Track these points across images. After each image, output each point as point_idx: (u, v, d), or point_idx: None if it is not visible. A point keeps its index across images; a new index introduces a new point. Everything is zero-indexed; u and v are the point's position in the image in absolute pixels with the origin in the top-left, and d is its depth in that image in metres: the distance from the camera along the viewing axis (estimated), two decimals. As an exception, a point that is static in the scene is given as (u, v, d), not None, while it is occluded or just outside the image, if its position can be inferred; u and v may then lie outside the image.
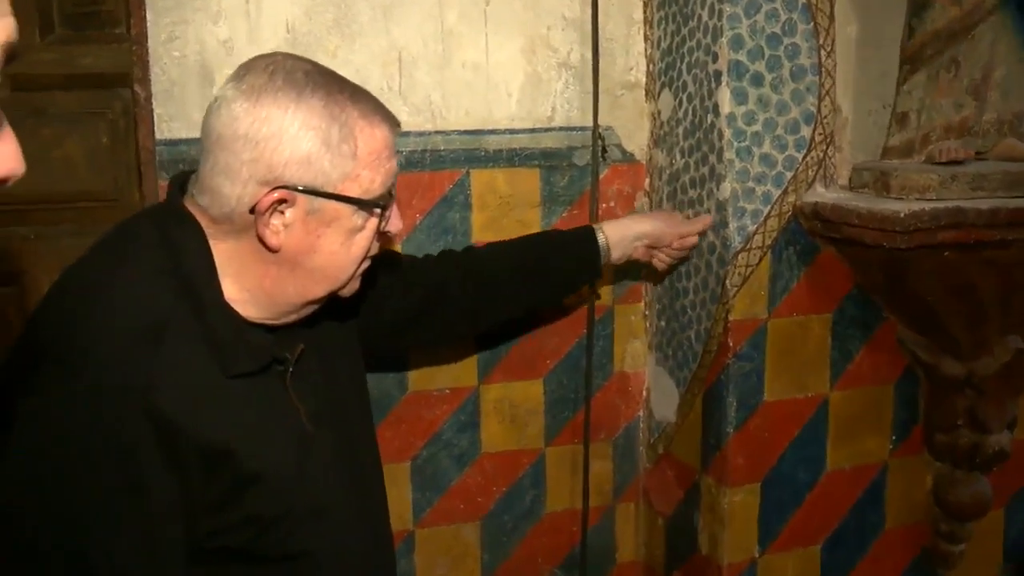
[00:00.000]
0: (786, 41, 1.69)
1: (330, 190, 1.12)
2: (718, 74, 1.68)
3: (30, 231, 1.96)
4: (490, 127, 1.88)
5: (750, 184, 1.70)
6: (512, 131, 1.89)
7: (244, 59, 1.65)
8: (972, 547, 1.94)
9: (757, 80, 1.68)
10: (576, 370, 2.00)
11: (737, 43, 1.66)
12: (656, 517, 2.04)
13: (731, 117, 1.68)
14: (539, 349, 1.98)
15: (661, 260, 1.80)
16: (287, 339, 1.24)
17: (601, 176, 1.94)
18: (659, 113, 1.91)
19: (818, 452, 1.83)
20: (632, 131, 1.96)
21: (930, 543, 1.94)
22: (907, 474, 1.91)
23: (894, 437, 1.89)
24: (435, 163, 1.86)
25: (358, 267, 1.22)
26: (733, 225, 1.70)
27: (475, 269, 1.64)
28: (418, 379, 1.92)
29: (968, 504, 1.88)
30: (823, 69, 1.72)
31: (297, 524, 1.20)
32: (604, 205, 1.95)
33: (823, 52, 1.72)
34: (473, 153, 1.88)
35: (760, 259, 1.72)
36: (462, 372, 1.95)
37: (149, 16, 1.67)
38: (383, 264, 1.53)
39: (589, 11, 1.86)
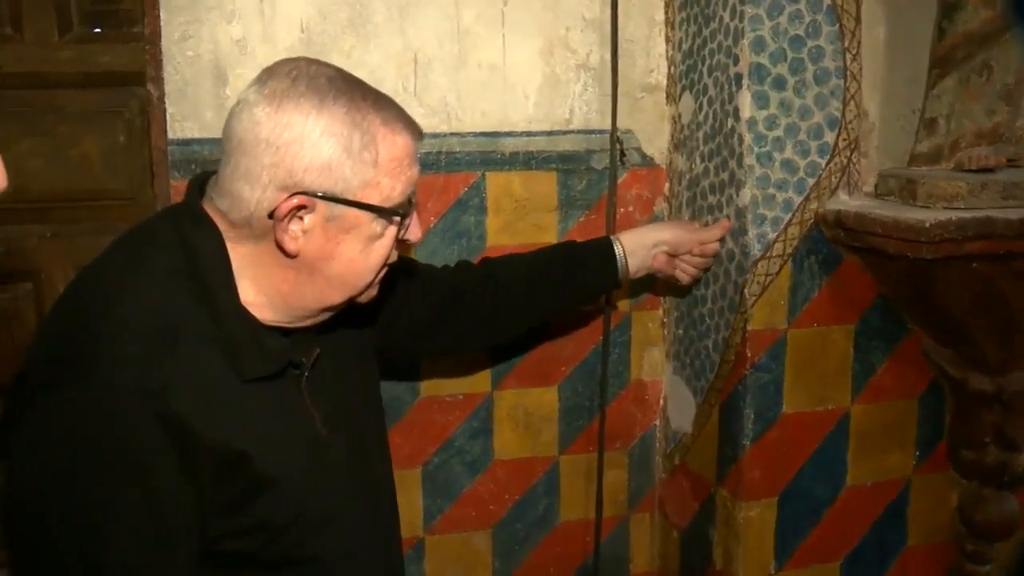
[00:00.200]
0: (810, 43, 1.64)
1: (350, 197, 1.11)
2: (739, 77, 1.64)
3: (47, 229, 1.96)
4: (506, 129, 1.85)
5: (771, 190, 1.65)
6: (529, 133, 1.86)
7: (258, 59, 1.68)
8: (998, 568, 1.87)
9: (779, 83, 1.63)
10: (592, 377, 1.96)
11: (759, 45, 1.61)
12: (671, 529, 2.00)
13: (751, 121, 1.63)
14: (554, 356, 1.95)
15: (684, 271, 1.75)
16: (303, 343, 1.23)
17: (620, 180, 1.90)
18: (679, 116, 1.86)
19: (838, 467, 1.78)
20: (652, 135, 1.92)
21: (955, 563, 1.88)
22: (931, 491, 1.85)
23: (918, 453, 1.83)
24: (450, 165, 1.83)
25: (377, 274, 1.20)
26: (752, 232, 1.65)
27: (492, 280, 1.62)
28: (430, 384, 1.90)
29: (995, 524, 1.82)
30: (848, 72, 1.67)
31: (309, 530, 1.20)
32: (622, 210, 1.91)
33: (848, 55, 1.66)
34: (489, 155, 1.85)
35: (780, 268, 1.67)
36: (475, 378, 1.92)
37: (163, 15, 1.66)
38: (400, 271, 1.51)
39: (609, 12, 1.82)
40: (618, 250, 1.67)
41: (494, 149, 1.85)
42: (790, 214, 1.66)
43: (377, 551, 1.33)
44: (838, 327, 1.72)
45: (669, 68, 1.90)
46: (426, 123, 1.78)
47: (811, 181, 1.67)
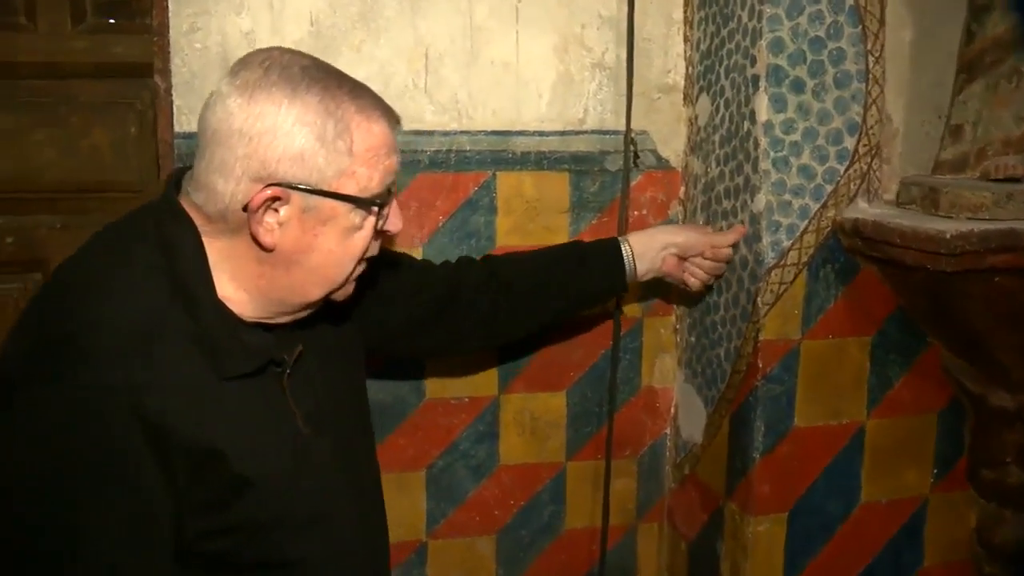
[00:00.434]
0: (831, 45, 1.58)
1: (325, 187, 1.08)
2: (756, 79, 1.59)
3: (56, 220, 1.96)
4: (518, 128, 1.81)
5: (786, 197, 1.60)
6: (541, 133, 1.82)
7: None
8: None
9: (798, 86, 1.58)
10: (601, 383, 1.92)
11: (777, 46, 1.56)
12: (680, 540, 1.95)
13: (768, 125, 1.58)
14: (563, 360, 1.91)
15: (694, 275, 1.70)
16: (286, 340, 1.21)
17: (634, 183, 1.86)
18: (696, 118, 1.82)
19: (852, 483, 1.72)
20: (668, 136, 1.88)
21: (972, 586, 1.82)
22: (949, 511, 1.78)
23: (935, 471, 1.76)
24: (460, 164, 1.80)
25: (355, 267, 1.17)
26: (767, 240, 1.60)
27: (494, 279, 1.59)
28: (436, 386, 1.86)
29: (1015, 546, 1.75)
30: (871, 76, 1.61)
31: (291, 531, 1.18)
32: (636, 213, 1.87)
33: (871, 58, 1.61)
34: (500, 155, 1.81)
35: (795, 277, 1.62)
36: (482, 381, 1.88)
37: (171, 6, 1.64)
38: (394, 266, 1.49)
39: (626, 9, 1.77)
40: (626, 251, 1.62)
41: (505, 148, 1.81)
42: (806, 221, 1.61)
43: (363, 553, 1.30)
44: (854, 339, 1.67)
45: (687, 68, 1.85)
46: (436, 120, 1.78)
47: (829, 188, 1.61)
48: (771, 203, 1.59)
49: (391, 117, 1.14)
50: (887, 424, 1.72)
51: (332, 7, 1.70)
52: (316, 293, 1.17)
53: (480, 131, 1.80)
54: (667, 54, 1.85)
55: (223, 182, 1.07)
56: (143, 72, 1.81)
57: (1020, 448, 1.69)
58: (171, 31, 1.65)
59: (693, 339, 1.87)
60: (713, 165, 1.75)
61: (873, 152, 1.64)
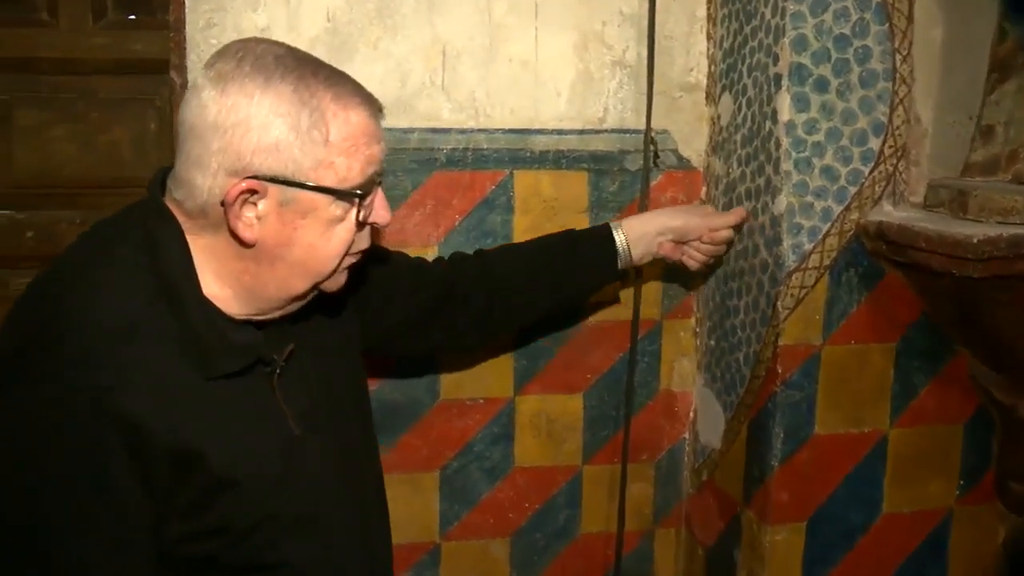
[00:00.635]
0: (856, 43, 1.54)
1: (301, 179, 1.06)
2: (778, 78, 1.55)
3: (76, 215, 1.98)
4: (537, 126, 1.79)
5: (808, 198, 1.56)
6: (560, 132, 1.79)
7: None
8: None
9: (821, 85, 1.54)
10: (619, 386, 1.89)
11: (800, 44, 1.52)
12: (697, 547, 1.92)
13: (790, 125, 1.54)
14: (580, 362, 1.88)
15: (692, 257, 1.67)
16: (277, 338, 1.19)
17: (655, 183, 1.83)
18: (718, 118, 1.78)
19: (874, 493, 1.68)
20: (690, 136, 1.84)
21: (1000, 601, 1.77)
22: (975, 524, 1.73)
23: (961, 482, 1.71)
24: (477, 162, 1.77)
25: (341, 260, 1.15)
26: (787, 242, 1.56)
27: (486, 273, 1.57)
28: (450, 387, 1.84)
29: (1044, 562, 1.70)
30: (897, 75, 1.56)
31: (277, 533, 1.16)
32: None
33: (898, 56, 1.56)
34: (518, 153, 1.78)
35: (816, 281, 1.58)
36: (497, 382, 1.86)
37: (188, 3, 1.63)
38: (390, 265, 1.48)
39: (647, 6, 1.74)
40: (619, 239, 1.60)
41: (523, 147, 1.79)
42: (829, 224, 1.57)
43: (357, 556, 1.28)
44: (877, 345, 1.62)
45: (709, 67, 1.81)
46: (453, 118, 1.76)
47: (853, 190, 1.57)
48: (792, 205, 1.55)
49: (371, 105, 1.11)
50: (911, 433, 1.67)
51: (349, 3, 1.68)
52: (300, 287, 1.14)
53: (498, 129, 1.77)
54: (689, 52, 1.82)
55: (200, 177, 1.05)
56: (162, 68, 1.82)
57: (1050, 461, 1.64)
58: (187, 27, 1.64)
59: (712, 343, 1.83)
60: (735, 165, 1.71)
61: (899, 153, 1.59)
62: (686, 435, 1.95)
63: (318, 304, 1.23)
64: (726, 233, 1.65)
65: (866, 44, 1.54)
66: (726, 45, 1.74)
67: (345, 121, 1.07)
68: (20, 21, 1.90)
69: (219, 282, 1.12)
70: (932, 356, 1.65)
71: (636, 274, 1.81)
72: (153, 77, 1.91)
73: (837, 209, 1.57)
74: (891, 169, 1.58)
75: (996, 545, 1.75)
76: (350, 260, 1.18)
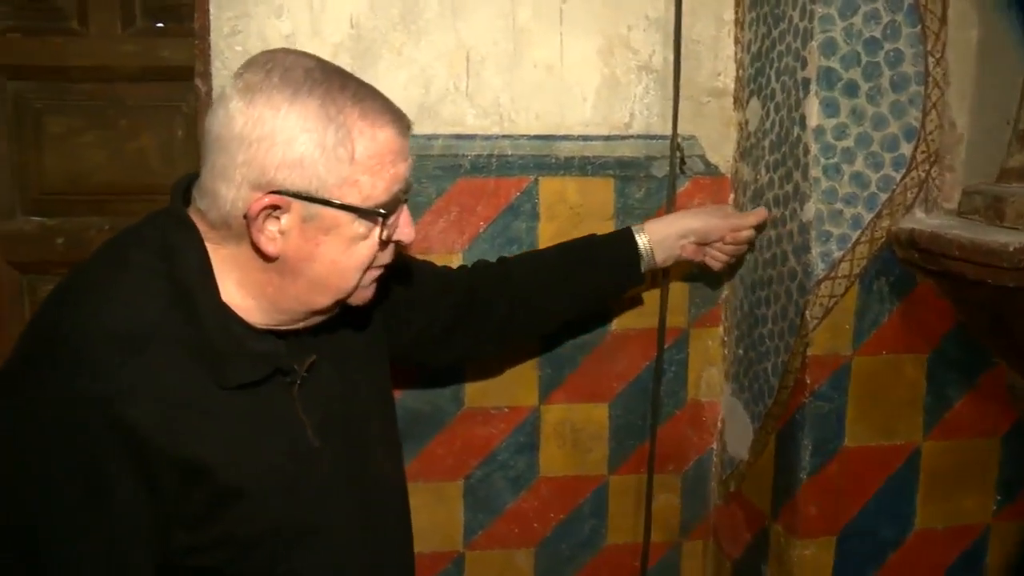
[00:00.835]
0: (887, 46, 1.50)
1: (325, 196, 1.05)
2: (806, 82, 1.51)
3: (104, 221, 1.99)
4: (562, 132, 1.77)
5: (838, 206, 1.52)
6: (586, 138, 1.77)
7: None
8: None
9: (851, 90, 1.50)
10: (645, 395, 1.86)
11: (829, 48, 1.49)
12: (724, 560, 1.88)
13: (819, 130, 1.50)
14: (606, 371, 1.86)
15: (714, 258, 1.66)
16: (299, 348, 1.18)
17: (681, 189, 1.80)
18: (746, 123, 1.75)
19: (906, 507, 1.63)
20: (717, 142, 1.81)
21: (1038, 620, 1.71)
22: (1013, 541, 1.68)
23: (999, 498, 1.66)
24: (502, 169, 1.76)
25: (362, 275, 1.14)
26: (816, 251, 1.52)
27: (508, 279, 1.56)
28: (475, 395, 1.83)
29: (1085, 581, 1.65)
30: (930, 78, 1.52)
31: (284, 545, 1.15)
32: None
33: (931, 59, 1.52)
34: (543, 160, 1.77)
35: (846, 290, 1.54)
36: (522, 390, 1.84)
37: (212, 10, 1.64)
38: (414, 273, 1.47)
39: (674, 10, 1.72)
40: (641, 242, 1.58)
41: (548, 153, 1.77)
42: (859, 232, 1.53)
43: (368, 568, 1.26)
44: (909, 356, 1.58)
45: (737, 71, 1.78)
46: (477, 124, 1.75)
47: (883, 196, 1.53)
48: (821, 212, 1.52)
49: (399, 122, 1.10)
50: (945, 446, 1.62)
51: (372, 9, 1.68)
52: (322, 302, 1.14)
53: (523, 135, 1.76)
54: (717, 56, 1.79)
55: (225, 188, 1.05)
56: (189, 75, 1.83)
57: (1091, 476, 1.59)
58: (212, 34, 1.64)
59: (741, 352, 1.79)
60: (763, 172, 1.68)
61: (932, 159, 1.55)
62: (714, 445, 1.92)
63: (344, 314, 1.21)
64: (748, 233, 1.64)
65: (897, 47, 1.50)
66: (754, 49, 1.71)
67: (372, 139, 1.06)
68: (50, 30, 1.92)
69: (242, 291, 1.11)
70: (967, 367, 1.60)
71: (663, 281, 1.78)
72: (180, 84, 1.92)
73: (867, 216, 1.53)
74: (923, 175, 1.54)
75: (1034, 563, 1.70)
76: (374, 274, 1.17)
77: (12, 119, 1.95)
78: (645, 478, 1.86)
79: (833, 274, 1.53)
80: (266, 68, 1.04)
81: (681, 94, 1.74)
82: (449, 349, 1.56)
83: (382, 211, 1.09)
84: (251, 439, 1.10)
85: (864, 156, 1.52)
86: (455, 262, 1.71)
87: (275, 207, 1.04)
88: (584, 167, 1.78)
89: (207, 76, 1.66)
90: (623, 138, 1.79)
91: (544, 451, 1.87)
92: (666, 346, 1.84)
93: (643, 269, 1.60)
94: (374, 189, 1.07)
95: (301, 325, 1.17)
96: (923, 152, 1.53)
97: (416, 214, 1.69)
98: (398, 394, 1.76)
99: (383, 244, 1.13)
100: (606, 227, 1.79)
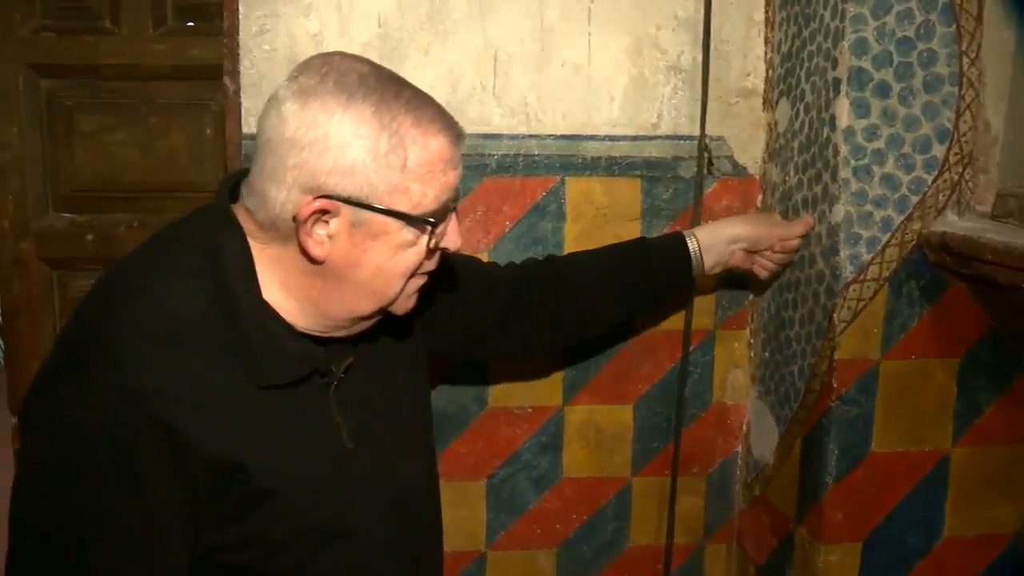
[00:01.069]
0: (920, 46, 1.48)
1: (375, 202, 1.05)
2: (837, 82, 1.50)
3: (134, 218, 2.01)
4: (589, 132, 1.76)
5: (867, 207, 1.50)
6: (613, 138, 1.76)
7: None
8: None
9: (882, 90, 1.48)
10: (670, 397, 1.85)
11: (860, 48, 1.47)
12: (748, 564, 1.86)
13: (849, 131, 1.49)
14: (631, 372, 1.85)
15: (762, 267, 1.66)
16: (338, 350, 1.18)
17: (709, 190, 1.78)
18: (776, 124, 1.73)
19: (934, 515, 1.61)
20: (746, 142, 1.79)
21: (1070, 631, 1.68)
22: (1044, 550, 1.65)
23: (1030, 506, 1.64)
24: (528, 169, 1.75)
25: (406, 283, 1.14)
26: (844, 253, 1.51)
27: (559, 280, 1.55)
28: (498, 395, 1.83)
29: (1118, 592, 1.61)
30: (964, 79, 1.50)
31: (314, 546, 1.15)
32: (710, 221, 1.78)
33: (966, 59, 1.49)
34: (569, 160, 1.76)
35: (875, 293, 1.52)
36: (546, 391, 1.84)
37: (241, 9, 1.65)
38: (462, 270, 1.46)
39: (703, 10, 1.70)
40: (692, 246, 1.58)
41: (575, 153, 1.76)
42: (889, 234, 1.51)
43: (397, 570, 1.26)
44: (939, 361, 1.56)
45: (767, 71, 1.76)
46: (504, 124, 1.74)
47: (915, 199, 1.51)
48: (850, 214, 1.50)
49: (452, 131, 1.10)
50: (975, 453, 1.60)
51: (400, 9, 1.68)
52: (366, 308, 1.14)
53: (549, 135, 1.75)
54: (746, 57, 1.77)
55: (275, 190, 1.05)
56: (218, 74, 1.85)
57: None
58: (241, 33, 1.65)
59: (767, 355, 1.78)
60: (791, 173, 1.66)
61: (966, 161, 1.52)
62: (739, 448, 1.90)
63: (385, 322, 1.21)
64: (795, 242, 1.63)
65: (931, 47, 1.48)
66: (784, 49, 1.69)
67: (424, 147, 1.06)
68: (83, 29, 1.94)
69: (285, 292, 1.11)
70: (999, 373, 1.58)
71: (693, 286, 1.77)
72: (209, 83, 1.94)
73: (898, 219, 1.51)
74: (956, 177, 1.52)
75: (1067, 573, 1.67)
76: (418, 282, 1.17)
77: (45, 117, 1.98)
78: (669, 480, 1.85)
79: (862, 277, 1.51)
80: (321, 72, 1.04)
81: (710, 94, 1.73)
82: (496, 346, 1.56)
83: (431, 219, 1.09)
84: (287, 440, 1.10)
85: (895, 158, 1.50)
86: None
87: (325, 211, 1.04)
88: (611, 167, 1.77)
89: (235, 75, 1.67)
90: (650, 138, 1.77)
91: (567, 452, 1.86)
92: (692, 348, 1.82)
93: (693, 274, 1.60)
94: (424, 197, 1.07)
95: (344, 333, 1.17)
96: (956, 154, 1.51)
97: (442, 213, 1.69)
98: (422, 393, 1.76)
99: (430, 252, 1.13)
100: (632, 228, 1.78)
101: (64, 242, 2.01)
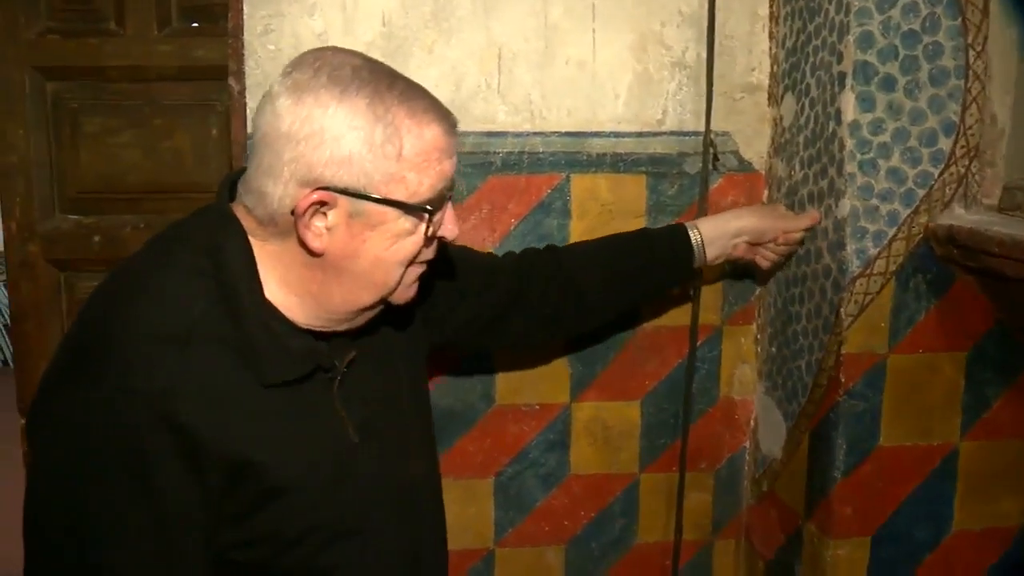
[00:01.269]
0: (926, 40, 1.48)
1: (372, 192, 1.06)
2: (842, 76, 1.49)
3: (140, 219, 2.02)
4: (594, 129, 1.76)
5: (873, 202, 1.50)
6: (617, 134, 1.76)
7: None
8: None
9: (888, 84, 1.48)
10: (677, 393, 1.85)
11: (866, 41, 1.47)
12: (757, 559, 1.86)
13: (854, 125, 1.49)
14: (638, 369, 1.85)
15: (765, 258, 1.66)
16: (339, 345, 1.19)
17: (714, 186, 1.78)
18: (781, 119, 1.73)
19: (943, 509, 1.61)
20: (751, 138, 1.79)
21: (1080, 624, 1.68)
22: (1053, 543, 1.65)
23: (1039, 499, 1.63)
24: (533, 166, 1.75)
25: (405, 272, 1.15)
26: (851, 247, 1.51)
27: (560, 271, 1.55)
28: (506, 392, 1.83)
29: None
30: (971, 72, 1.50)
31: (325, 542, 1.16)
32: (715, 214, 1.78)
33: (972, 52, 1.49)
34: (574, 156, 1.76)
35: (882, 287, 1.52)
36: (553, 388, 1.84)
37: (246, 9, 1.65)
38: (462, 262, 1.46)
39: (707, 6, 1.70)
40: (695, 238, 1.58)
41: (580, 150, 1.76)
42: (895, 228, 1.51)
43: (405, 565, 1.27)
44: (947, 355, 1.55)
45: (772, 67, 1.76)
46: (509, 121, 1.74)
47: (921, 192, 1.51)
48: (856, 208, 1.50)
49: (446, 121, 1.11)
50: (984, 447, 1.60)
51: (404, 8, 1.68)
52: (367, 299, 1.14)
53: (554, 132, 1.75)
54: (751, 52, 1.77)
55: (272, 185, 1.05)
56: (223, 75, 1.85)
57: None
58: (245, 33, 1.65)
59: (774, 350, 1.78)
60: (797, 168, 1.66)
61: (972, 154, 1.52)
62: (746, 444, 1.90)
63: (385, 314, 1.22)
64: (799, 235, 1.63)
65: (937, 40, 1.48)
66: (789, 44, 1.69)
67: (419, 136, 1.07)
68: (88, 31, 1.95)
69: (285, 289, 1.12)
70: (1007, 366, 1.57)
71: (696, 278, 1.77)
72: (214, 83, 1.94)
73: (904, 212, 1.51)
74: (963, 171, 1.52)
75: (1077, 566, 1.66)
76: (416, 271, 1.17)
77: (50, 119, 1.98)
78: (677, 476, 1.85)
79: (868, 271, 1.51)
80: (314, 67, 1.05)
81: (714, 90, 1.73)
82: (496, 338, 1.57)
83: (429, 207, 1.10)
84: (294, 436, 1.11)
85: (901, 151, 1.49)
86: (485, 256, 1.71)
87: (323, 203, 1.05)
88: (616, 164, 1.77)
89: (241, 75, 1.68)
90: (655, 135, 1.77)
91: (575, 449, 1.86)
92: (699, 343, 1.82)
93: (695, 265, 1.60)
94: (420, 186, 1.08)
95: (345, 326, 1.17)
96: (962, 147, 1.51)
97: (448, 211, 1.70)
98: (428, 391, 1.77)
99: (428, 240, 1.13)
100: (638, 224, 1.78)
101: (71, 244, 2.01)
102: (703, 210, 1.76)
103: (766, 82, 1.78)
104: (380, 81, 1.06)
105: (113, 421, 1.00)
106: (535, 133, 1.75)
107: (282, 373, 1.10)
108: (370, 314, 1.18)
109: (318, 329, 1.15)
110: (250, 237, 1.10)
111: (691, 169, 1.78)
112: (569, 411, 1.85)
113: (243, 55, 1.67)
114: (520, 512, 1.87)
